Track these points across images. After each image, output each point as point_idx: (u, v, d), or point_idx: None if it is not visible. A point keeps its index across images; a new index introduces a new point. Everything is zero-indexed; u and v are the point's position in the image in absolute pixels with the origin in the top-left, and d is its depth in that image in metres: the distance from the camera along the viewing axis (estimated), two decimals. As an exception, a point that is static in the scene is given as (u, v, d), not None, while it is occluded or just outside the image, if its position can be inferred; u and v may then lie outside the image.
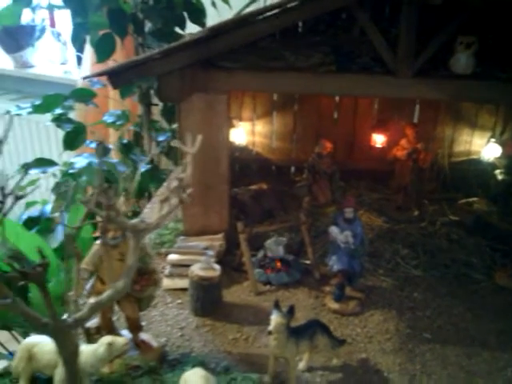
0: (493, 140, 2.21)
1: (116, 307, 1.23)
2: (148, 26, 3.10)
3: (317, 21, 1.85)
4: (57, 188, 2.80)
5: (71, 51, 4.44)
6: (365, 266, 1.59)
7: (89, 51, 3.80)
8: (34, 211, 2.76)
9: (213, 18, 2.97)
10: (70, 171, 2.63)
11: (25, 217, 2.70)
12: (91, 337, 1.17)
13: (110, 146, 3.20)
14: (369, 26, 1.50)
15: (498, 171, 2.12)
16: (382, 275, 1.66)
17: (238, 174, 2.42)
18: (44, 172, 2.79)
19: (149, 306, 1.25)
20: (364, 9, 1.50)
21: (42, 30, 4.37)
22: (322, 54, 1.60)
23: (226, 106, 1.60)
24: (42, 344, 1.06)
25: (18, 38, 4.24)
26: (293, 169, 2.46)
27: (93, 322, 1.22)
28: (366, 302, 1.51)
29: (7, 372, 1.14)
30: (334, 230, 1.45)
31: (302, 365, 1.23)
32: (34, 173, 2.73)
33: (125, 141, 3.28)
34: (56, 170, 2.93)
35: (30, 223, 2.60)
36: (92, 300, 0.97)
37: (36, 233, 2.40)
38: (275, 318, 1.11)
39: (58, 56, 4.57)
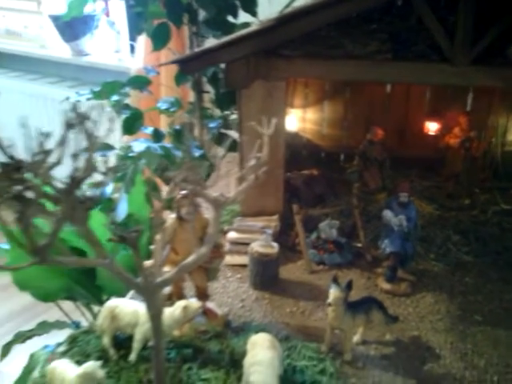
0: (548, 129, 2.19)
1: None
2: (201, 15, 3.20)
3: (373, 9, 1.88)
4: (116, 169, 2.96)
5: (125, 40, 4.61)
6: (416, 250, 1.63)
7: (142, 40, 3.95)
8: (95, 192, 2.94)
9: (263, 7, 3.04)
10: (130, 155, 2.79)
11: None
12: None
13: (164, 132, 3.34)
14: (426, 14, 1.53)
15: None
16: (433, 260, 1.70)
17: (288, 159, 2.49)
18: (103, 155, 2.96)
19: (215, 276, 1.36)
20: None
21: (98, 20, 4.56)
22: (378, 42, 1.65)
23: (284, 92, 1.68)
24: (123, 306, 1.19)
25: (75, 27, 4.44)
26: (342, 155, 2.51)
27: (165, 290, 1.34)
28: (417, 284, 1.56)
29: (91, 330, 1.27)
30: (388, 214, 1.51)
31: (356, 338, 1.30)
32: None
33: (177, 127, 3.41)
34: (114, 153, 3.10)
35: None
36: (167, 268, 1.09)
37: (99, 211, 2.58)
38: (334, 292, 1.19)
39: (113, 44, 4.76)
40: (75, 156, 0.77)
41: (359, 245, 1.73)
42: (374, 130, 2.13)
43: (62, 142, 0.72)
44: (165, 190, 1.36)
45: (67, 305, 2.60)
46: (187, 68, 1.48)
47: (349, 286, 1.21)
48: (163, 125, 3.93)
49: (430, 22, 1.53)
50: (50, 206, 0.79)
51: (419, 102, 2.30)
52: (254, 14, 3.14)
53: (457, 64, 1.54)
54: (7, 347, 2.34)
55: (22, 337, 2.36)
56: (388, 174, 2.21)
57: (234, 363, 1.13)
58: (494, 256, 1.72)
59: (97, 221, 1.34)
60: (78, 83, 4.87)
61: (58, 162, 0.71)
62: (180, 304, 1.14)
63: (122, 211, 2.58)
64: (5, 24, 5.21)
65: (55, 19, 4.57)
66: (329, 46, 1.65)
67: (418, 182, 2.26)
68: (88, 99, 3.22)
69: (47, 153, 0.69)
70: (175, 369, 1.11)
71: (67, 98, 3.41)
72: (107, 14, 4.63)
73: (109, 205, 2.74)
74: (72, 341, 1.24)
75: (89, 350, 1.20)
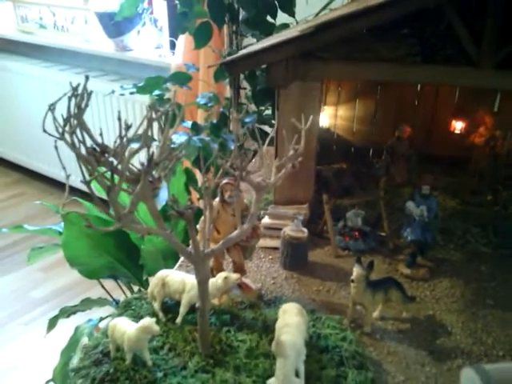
0: None
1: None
2: (241, 14, 3.37)
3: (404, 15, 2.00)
4: (181, 151, 3.17)
5: (166, 37, 4.83)
6: (436, 240, 1.75)
7: (182, 38, 4.16)
8: (159, 174, 3.16)
9: (302, 7, 3.19)
10: (172, 146, 2.99)
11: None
12: (205, 275, 1.46)
13: (202, 125, 3.54)
14: (455, 21, 1.65)
15: None
16: (453, 250, 1.83)
17: (320, 153, 2.64)
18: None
19: (251, 255, 1.53)
20: (452, 4, 1.65)
21: (143, 17, 4.78)
22: (408, 46, 1.78)
23: (319, 92, 1.83)
24: (173, 275, 1.37)
25: (120, 24, 4.67)
26: (371, 151, 2.64)
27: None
28: (435, 270, 1.69)
29: (142, 297, 1.47)
30: (410, 205, 1.65)
31: (375, 314, 1.45)
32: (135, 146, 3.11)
33: (214, 121, 3.61)
34: (156, 144, 3.30)
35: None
36: (212, 246, 1.27)
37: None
38: (357, 270, 1.35)
39: (154, 41, 4.98)
40: (147, 146, 0.95)
41: (383, 234, 1.87)
42: (403, 128, 2.25)
43: (145, 135, 0.90)
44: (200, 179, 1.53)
45: (109, 284, 2.83)
46: (233, 69, 1.65)
47: (370, 266, 1.36)
48: (199, 119, 4.14)
49: (458, 28, 1.65)
50: (124, 184, 0.98)
51: (447, 102, 2.40)
52: (292, 14, 3.29)
53: (482, 67, 1.66)
54: (53, 321, 2.58)
55: (66, 312, 2.59)
56: (414, 170, 2.33)
57: (266, 328, 1.30)
58: (511, 248, 1.83)
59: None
60: (120, 77, 5.11)
61: (139, 150, 0.90)
62: (221, 275, 1.32)
63: (162, 198, 2.79)
64: (53, 19, 5.50)
65: (101, 16, 4.83)
66: (362, 49, 1.79)
67: (442, 178, 2.37)
68: (131, 93, 3.45)
69: (129, 142, 0.87)
70: (215, 331, 1.28)
71: (112, 92, 3.66)
72: (151, 12, 4.85)
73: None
74: (126, 305, 1.43)
75: (141, 313, 1.38)
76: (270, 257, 1.75)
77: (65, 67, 5.24)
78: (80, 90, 0.94)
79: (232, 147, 3.00)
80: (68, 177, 0.92)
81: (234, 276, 1.32)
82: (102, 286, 2.84)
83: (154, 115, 0.92)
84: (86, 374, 1.15)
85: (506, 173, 2.25)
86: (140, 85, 3.39)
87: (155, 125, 1.06)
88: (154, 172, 1.05)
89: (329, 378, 1.14)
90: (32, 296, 3.92)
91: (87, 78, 0.94)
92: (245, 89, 3.45)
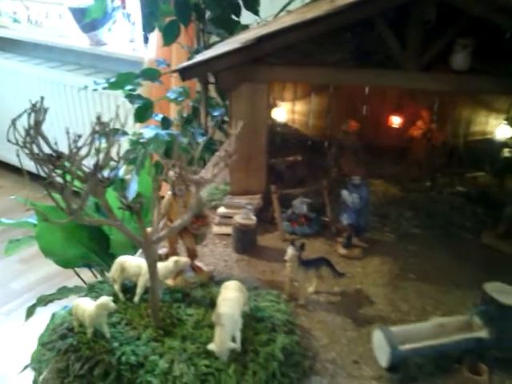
0: (504, 122, 2.48)
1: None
2: (208, 13, 3.53)
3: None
4: (127, 154, 3.37)
5: (139, 31, 4.95)
6: (369, 223, 1.98)
7: (155, 34, 4.29)
8: (109, 173, 3.32)
9: (266, 5, 3.37)
10: (141, 140, 3.17)
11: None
12: (162, 260, 1.66)
13: (172, 119, 3.71)
14: (384, 30, 1.84)
15: (506, 150, 2.41)
16: (387, 231, 2.06)
17: (278, 146, 2.84)
18: (117, 140, 3.32)
19: (203, 241, 1.74)
20: (381, 15, 1.84)
21: (115, 13, 4.89)
22: (345, 52, 1.98)
23: (266, 92, 2.01)
24: (130, 260, 1.56)
25: (93, 19, 4.75)
26: (326, 144, 2.85)
27: (163, 251, 1.73)
28: (368, 250, 1.92)
29: (105, 281, 1.66)
30: (344, 193, 1.87)
31: (310, 289, 1.67)
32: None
33: (184, 115, 3.78)
34: (127, 139, 3.48)
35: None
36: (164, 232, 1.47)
37: (112, 190, 2.98)
38: (290, 251, 1.56)
39: (128, 35, 5.10)
40: (97, 151, 1.14)
41: (326, 219, 2.09)
42: (349, 122, 2.46)
43: (91, 142, 1.08)
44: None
45: (85, 274, 3.01)
46: (186, 75, 1.83)
47: (302, 247, 1.58)
48: (173, 112, 4.30)
49: (387, 36, 1.85)
50: (78, 183, 1.17)
51: (392, 99, 2.62)
52: (256, 12, 3.47)
53: (408, 70, 1.86)
54: (31, 309, 2.74)
55: (44, 300, 2.75)
56: (362, 161, 2.55)
57: (212, 304, 1.49)
58: (439, 229, 2.06)
59: (111, 196, 1.73)
60: (95, 71, 5.21)
61: (87, 155, 1.08)
62: (172, 259, 1.52)
63: (132, 191, 2.97)
64: (27, 14, 5.56)
65: (74, 11, 4.92)
66: (303, 55, 1.98)
67: (387, 168, 2.60)
68: (104, 88, 3.60)
69: (79, 149, 1.06)
70: (167, 307, 1.49)
71: (85, 87, 3.81)
72: (124, 7, 4.96)
73: (121, 185, 3.14)
74: (90, 288, 1.62)
75: (103, 295, 1.57)
76: (224, 242, 1.96)
77: (39, 61, 5.31)
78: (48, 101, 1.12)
79: (200, 140, 3.16)
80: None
81: (184, 259, 1.53)
82: (78, 275, 3.02)
83: (98, 128, 1.10)
84: (53, 346, 1.35)
85: (442, 161, 2.49)
86: (111, 80, 3.54)
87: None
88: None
89: (261, 342, 1.36)
90: (12, 287, 4.08)
91: (42, 98, 1.12)
92: (214, 83, 3.62)
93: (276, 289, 1.66)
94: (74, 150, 1.06)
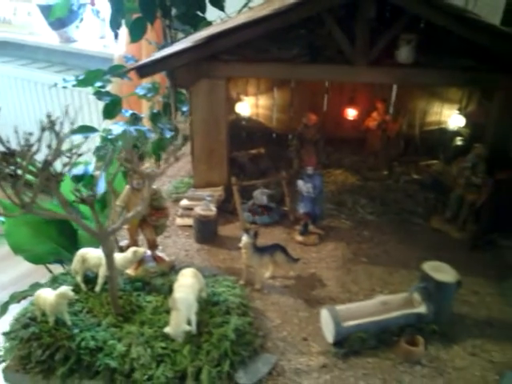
0: (457, 112, 2.61)
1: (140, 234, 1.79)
2: (174, 10, 3.56)
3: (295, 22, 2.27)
4: (97, 151, 3.41)
5: (108, 27, 4.93)
6: (325, 211, 2.07)
7: (124, 30, 4.30)
8: (79, 170, 3.36)
9: (232, 1, 3.42)
10: (109, 137, 3.21)
11: (72, 174, 3.32)
12: (123, 251, 1.73)
13: (142, 115, 3.75)
14: (334, 27, 1.93)
15: (458, 138, 2.53)
16: (343, 219, 2.16)
17: (244, 140, 2.93)
18: (87, 137, 3.36)
19: (162, 232, 1.81)
20: (330, 12, 1.93)
21: (83, 9, 4.88)
22: (299, 48, 2.06)
23: (224, 88, 2.09)
24: (91, 252, 1.63)
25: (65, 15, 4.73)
26: (290, 136, 2.93)
27: (124, 243, 1.80)
28: (324, 237, 2.01)
29: (68, 273, 1.72)
30: (299, 183, 1.96)
31: (267, 274, 1.76)
32: (78, 138, 3.30)
33: (154, 111, 3.82)
34: (97, 135, 3.52)
35: (75, 180, 3.21)
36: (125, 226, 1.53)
37: (82, 187, 3.01)
38: (244, 239, 1.65)
39: (98, 31, 5.09)
40: (48, 147, 1.20)
41: (286, 208, 2.18)
42: (308, 116, 2.55)
43: (39, 139, 1.15)
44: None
45: (58, 270, 3.04)
46: (142, 73, 1.89)
47: (255, 235, 1.66)
48: (146, 109, 4.33)
49: (336, 33, 1.93)
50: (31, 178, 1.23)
51: (350, 92, 2.72)
52: (221, 8, 3.52)
53: (357, 65, 1.96)
54: (4, 307, 2.76)
55: (16, 297, 2.77)
56: (322, 152, 2.65)
57: (171, 291, 1.57)
58: (391, 216, 2.17)
59: (67, 188, 1.78)
60: (65, 68, 5.19)
61: (37, 151, 1.15)
62: (131, 249, 1.59)
63: (101, 187, 3.01)
64: (-5, 12, 5.47)
65: (43, 8, 4.89)
66: (259, 51, 2.06)
67: (347, 158, 2.70)
68: (73, 86, 3.62)
69: (30, 146, 1.12)
70: (128, 295, 1.56)
71: (55, 85, 3.82)
72: (92, 3, 4.94)
73: (90, 181, 3.18)
74: (53, 280, 1.69)
75: (65, 285, 1.64)
76: (187, 233, 2.04)
77: (10, 59, 5.27)
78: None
79: (168, 136, 3.22)
80: None
81: (142, 250, 1.60)
82: (50, 272, 3.05)
83: (46, 125, 1.16)
84: (16, 335, 1.41)
85: (397, 151, 2.61)
86: (80, 78, 3.56)
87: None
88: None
89: (215, 324, 1.44)
90: (-16, 288, 4.07)
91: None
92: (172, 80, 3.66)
93: (234, 275, 1.75)
94: (26, 148, 1.12)
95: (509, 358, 1.44)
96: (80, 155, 1.33)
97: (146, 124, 3.72)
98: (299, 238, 1.99)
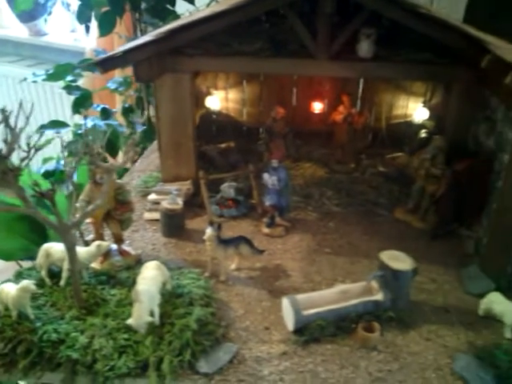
0: (422, 105, 2.67)
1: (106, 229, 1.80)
2: (144, 3, 3.54)
3: (257, 16, 2.29)
4: (68, 146, 3.38)
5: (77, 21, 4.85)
6: (291, 203, 2.11)
7: (95, 23, 4.25)
8: (50, 165, 3.33)
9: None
10: (79, 132, 3.19)
11: (42, 170, 3.29)
12: (89, 246, 1.74)
13: (114, 110, 3.72)
14: (296, 21, 1.96)
15: (423, 131, 2.60)
16: (310, 211, 2.20)
17: (215, 134, 2.94)
18: (58, 132, 3.32)
19: (128, 226, 1.82)
20: (292, 7, 1.95)
21: (52, 1, 4.79)
22: (262, 42, 2.09)
23: (189, 82, 2.10)
24: (55, 247, 1.63)
25: (30, 9, 4.65)
26: (260, 130, 2.96)
27: (90, 237, 1.81)
28: (290, 228, 2.05)
29: (33, 268, 1.72)
30: (265, 176, 1.99)
31: (233, 266, 1.79)
32: (49, 133, 3.26)
33: (126, 105, 3.80)
34: (68, 130, 3.49)
35: (46, 175, 3.18)
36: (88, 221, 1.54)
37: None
38: (208, 231, 1.67)
39: (68, 25, 5.01)
40: (4, 141, 1.20)
41: (253, 201, 2.21)
42: (276, 109, 2.58)
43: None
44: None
45: (28, 264, 3.01)
46: (104, 68, 1.89)
47: (219, 227, 1.69)
48: (119, 103, 4.28)
49: (298, 27, 1.96)
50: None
51: (317, 86, 2.75)
52: (191, 1, 3.51)
53: (319, 59, 1.99)
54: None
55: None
56: (291, 146, 2.69)
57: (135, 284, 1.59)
58: (357, 207, 2.22)
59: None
60: (36, 62, 5.09)
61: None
62: (95, 243, 1.60)
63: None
64: (-38, 4, 5.33)
65: (9, 0, 4.78)
66: (222, 45, 2.08)
67: (317, 151, 2.75)
68: (43, 80, 3.57)
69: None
70: (92, 289, 1.57)
71: (25, 79, 3.76)
72: (62, -4, 4.83)
73: (61, 177, 3.15)
74: (18, 275, 1.68)
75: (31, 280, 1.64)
76: (154, 227, 2.05)
77: (-22, 53, 5.15)
78: None
79: (139, 130, 3.20)
80: None
81: (106, 243, 1.61)
82: (21, 267, 3.02)
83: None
84: (-22, 330, 1.41)
85: (363, 144, 2.66)
86: (50, 72, 3.51)
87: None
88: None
89: (178, 315, 1.47)
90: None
91: None
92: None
93: (200, 267, 1.77)
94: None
95: (462, 343, 1.50)
96: (38, 150, 1.34)
97: (120, 119, 3.69)
98: (266, 230, 2.02)
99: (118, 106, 4.01)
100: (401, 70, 1.99)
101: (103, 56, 1.89)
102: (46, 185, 1.35)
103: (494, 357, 1.39)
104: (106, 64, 1.86)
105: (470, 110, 2.05)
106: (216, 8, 2.05)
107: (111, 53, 1.91)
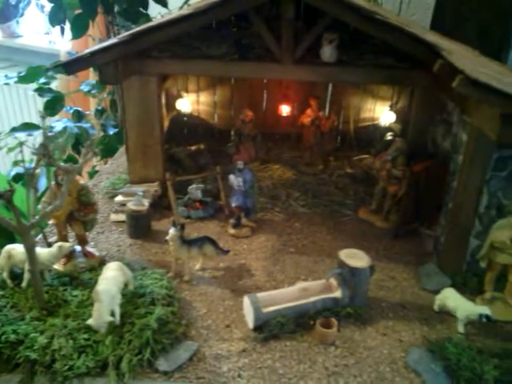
0: (388, 108, 2.74)
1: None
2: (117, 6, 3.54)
3: (224, 20, 2.33)
4: (39, 149, 3.34)
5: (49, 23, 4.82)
6: (257, 204, 2.14)
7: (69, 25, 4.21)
8: (20, 168, 3.29)
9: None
10: (49, 134, 3.17)
11: (13, 173, 3.26)
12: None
13: (88, 112, 3.71)
14: (261, 26, 1.99)
15: (389, 133, 2.66)
16: (277, 212, 2.23)
17: (186, 136, 2.96)
18: (30, 135, 3.30)
19: (93, 227, 1.83)
20: (257, 12, 1.99)
21: (28, 2, 4.74)
22: (228, 46, 2.12)
23: (156, 85, 2.12)
24: (17, 248, 1.63)
25: (4, 10, 4.62)
26: (232, 132, 2.99)
27: (53, 239, 1.81)
28: (257, 229, 2.08)
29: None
30: (231, 178, 2.02)
31: (197, 266, 1.82)
32: (21, 135, 3.23)
33: (99, 107, 3.79)
34: (40, 133, 3.46)
35: (17, 178, 3.15)
36: (51, 221, 1.55)
37: (21, 186, 2.97)
38: (171, 232, 1.69)
39: (43, 27, 4.95)
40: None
41: (221, 202, 2.23)
42: (245, 112, 2.61)
43: None
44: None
45: None
46: (70, 69, 1.90)
47: (182, 227, 1.71)
48: (93, 106, 4.26)
49: (263, 32, 2.00)
50: None
51: (286, 89, 2.80)
52: (164, 4, 3.53)
53: (284, 63, 2.03)
54: None
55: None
56: (261, 148, 2.73)
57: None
58: (323, 208, 2.27)
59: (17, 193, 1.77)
60: (10, 64, 5.02)
61: None
62: (57, 244, 1.60)
63: (42, 184, 2.98)
64: None
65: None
66: (190, 48, 2.10)
67: (286, 153, 2.79)
68: (15, 82, 3.54)
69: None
70: (54, 290, 1.58)
71: (-4, 82, 3.71)
72: (36, -3, 4.79)
73: (31, 179, 3.12)
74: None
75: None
76: (120, 229, 2.06)
77: (-50, 55, 5.07)
78: None
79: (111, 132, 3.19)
80: None
81: (67, 245, 1.62)
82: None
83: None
84: None
85: (331, 146, 2.71)
86: (21, 74, 3.49)
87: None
88: None
89: (139, 315, 1.48)
90: None
91: None
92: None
93: (165, 268, 1.79)
94: None
95: (417, 337, 1.55)
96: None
97: (94, 121, 3.68)
98: (232, 230, 2.05)
99: (92, 109, 4.00)
100: (363, 75, 2.04)
101: (69, 58, 1.89)
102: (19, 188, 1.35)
103: (444, 350, 1.44)
104: (71, 66, 1.87)
105: (430, 112, 2.11)
106: (183, 11, 2.08)
107: (77, 55, 1.92)
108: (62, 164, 1.44)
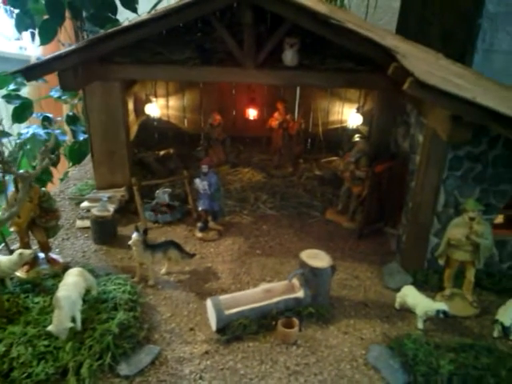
0: (355, 111, 2.78)
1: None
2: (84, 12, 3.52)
3: (185, 25, 2.35)
4: (10, 155, 3.32)
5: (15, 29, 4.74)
6: (225, 207, 2.15)
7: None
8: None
9: (143, 3, 3.44)
10: (18, 141, 3.14)
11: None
12: (14, 255, 1.72)
13: (59, 118, 3.68)
14: (223, 31, 2.01)
15: (356, 135, 2.70)
16: (245, 215, 2.25)
17: (156, 140, 2.96)
18: (-1, 142, 3.24)
19: (55, 234, 1.81)
20: (218, 18, 2.01)
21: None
22: (190, 51, 2.13)
23: (120, 90, 2.12)
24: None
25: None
26: (202, 136, 3.00)
27: (16, 246, 1.79)
28: (224, 232, 2.09)
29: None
30: (196, 181, 2.03)
31: (162, 270, 1.82)
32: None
33: (71, 113, 3.76)
34: (10, 140, 3.42)
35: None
36: (12, 229, 1.53)
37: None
38: (134, 236, 1.69)
39: (12, 32, 4.87)
40: None
41: (189, 206, 2.24)
42: (213, 116, 2.63)
43: None
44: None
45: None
46: (29, 76, 1.88)
47: (145, 232, 1.71)
48: (65, 111, 4.22)
49: (226, 37, 2.01)
50: None
51: (253, 93, 2.82)
52: (134, 10, 3.53)
53: (246, 67, 2.05)
54: None
55: None
56: (230, 151, 2.74)
57: (61, 291, 1.59)
58: (290, 210, 2.29)
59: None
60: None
61: None
62: (17, 252, 1.59)
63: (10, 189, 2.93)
64: None
65: None
66: (152, 53, 2.11)
67: (256, 156, 2.82)
68: (-17, 89, 3.48)
69: None
70: (15, 297, 1.56)
71: (-36, 89, 3.65)
72: (4, 2, 4.73)
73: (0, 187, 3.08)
74: None
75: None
76: (86, 235, 2.04)
77: None
78: None
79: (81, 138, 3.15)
80: None
81: (28, 252, 1.60)
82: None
83: None
84: None
85: (299, 149, 2.74)
86: (-12, 82, 3.44)
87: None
88: None
89: (100, 320, 1.48)
90: None
91: None
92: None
93: (130, 273, 1.78)
94: None
95: (377, 334, 1.58)
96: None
97: (65, 127, 3.65)
98: (199, 234, 2.06)
99: (64, 115, 3.96)
100: (324, 78, 2.07)
101: (27, 65, 1.88)
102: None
103: (403, 346, 1.47)
104: (30, 72, 1.86)
105: (392, 114, 2.16)
106: (144, 16, 2.09)
107: (34, 62, 1.91)
108: (17, 171, 1.43)
